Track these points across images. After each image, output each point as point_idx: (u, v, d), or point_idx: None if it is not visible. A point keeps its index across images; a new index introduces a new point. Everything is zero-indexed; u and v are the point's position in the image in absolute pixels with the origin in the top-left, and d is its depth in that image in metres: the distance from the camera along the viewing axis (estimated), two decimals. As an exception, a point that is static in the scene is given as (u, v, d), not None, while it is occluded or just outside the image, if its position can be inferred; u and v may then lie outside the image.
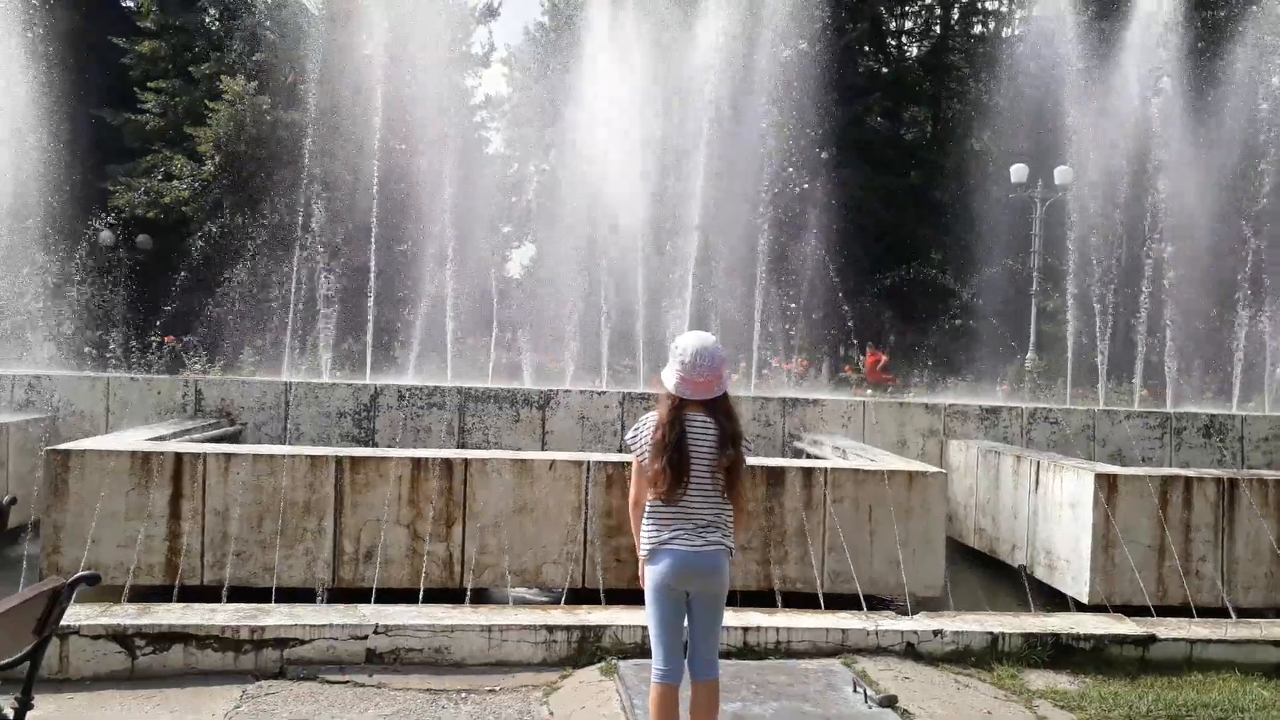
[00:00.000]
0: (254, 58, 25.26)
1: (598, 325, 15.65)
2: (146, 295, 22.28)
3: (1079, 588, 7.54)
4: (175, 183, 24.94)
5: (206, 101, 24.77)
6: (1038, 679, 5.67)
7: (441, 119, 18.73)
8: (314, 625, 5.49)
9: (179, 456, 6.95)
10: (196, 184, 24.52)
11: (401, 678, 5.33)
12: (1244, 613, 7.04)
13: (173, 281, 17.03)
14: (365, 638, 5.50)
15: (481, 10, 31.49)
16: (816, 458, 9.29)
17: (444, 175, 17.20)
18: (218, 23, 27.75)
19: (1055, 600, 7.72)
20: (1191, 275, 18.42)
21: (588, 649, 5.65)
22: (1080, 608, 7.25)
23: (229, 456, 7.02)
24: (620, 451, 8.84)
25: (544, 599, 7.17)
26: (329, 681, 5.24)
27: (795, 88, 21.05)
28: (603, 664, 5.50)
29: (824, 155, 25.88)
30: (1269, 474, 8.28)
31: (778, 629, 5.87)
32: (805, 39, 26.72)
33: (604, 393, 11.00)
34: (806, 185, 25.23)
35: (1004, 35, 32.96)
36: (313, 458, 7.01)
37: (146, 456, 6.93)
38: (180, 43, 26.79)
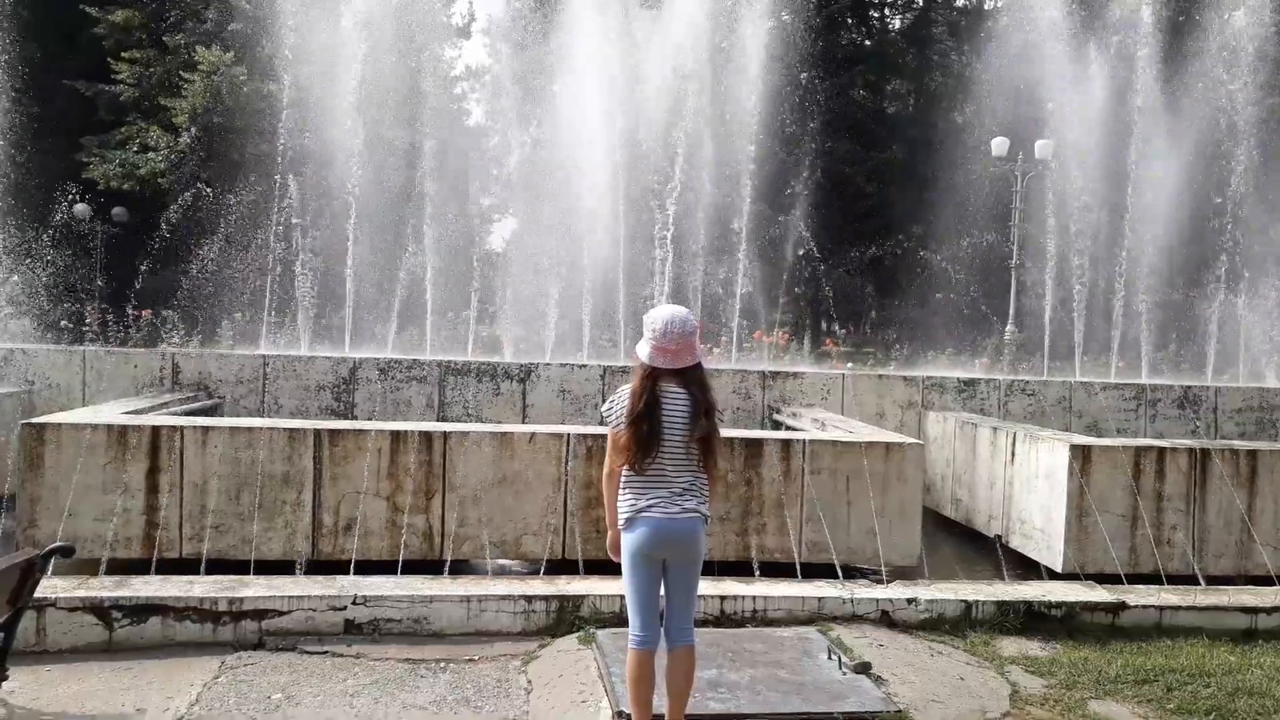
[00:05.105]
0: (230, 28, 24.90)
1: (579, 298, 15.62)
2: (123, 268, 22.07)
3: (1053, 557, 7.64)
4: (151, 154, 24.66)
5: (181, 72, 24.44)
6: (1010, 645, 5.75)
7: (421, 90, 18.56)
8: (293, 596, 5.50)
9: (156, 429, 6.91)
10: (172, 156, 24.24)
11: (380, 648, 5.35)
12: (1214, 580, 7.15)
13: (149, 254, 16.84)
14: (344, 609, 5.52)
15: (461, -20, 31.15)
16: (795, 430, 9.33)
17: (424, 147, 17.06)
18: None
19: (1029, 569, 7.82)
20: (1169, 248, 18.55)
21: (566, 618, 5.69)
22: (1054, 576, 7.35)
23: (207, 429, 7.00)
24: (601, 424, 8.87)
25: (524, 570, 7.20)
26: (308, 652, 5.26)
27: (778, 59, 20.94)
28: (581, 633, 5.54)
29: (807, 128, 25.83)
30: (1241, 444, 8.40)
31: (754, 598, 5.93)
32: (788, 10, 26.56)
33: (585, 366, 11.01)
34: (789, 158, 25.18)
35: (986, 7, 32.90)
36: (291, 430, 6.99)
37: (123, 429, 6.89)
38: (154, 12, 26.37)
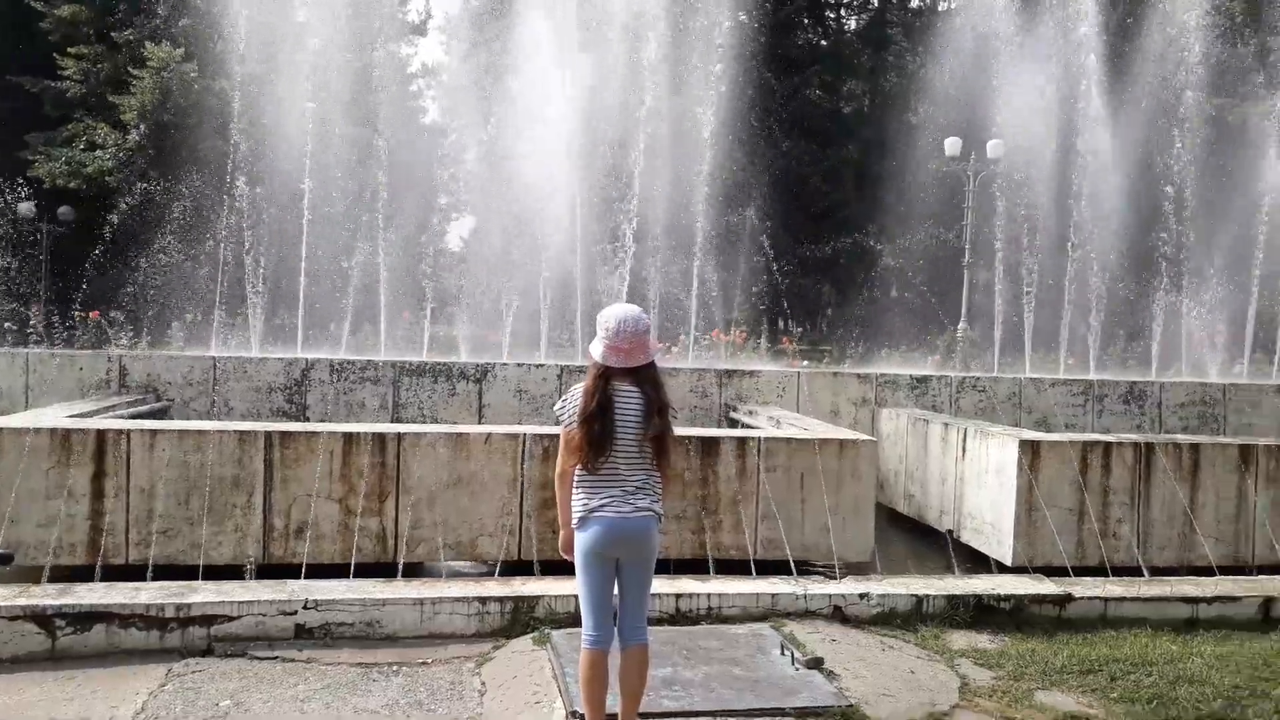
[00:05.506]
0: (181, 24, 24.47)
1: (536, 297, 15.58)
2: (69, 268, 21.60)
3: (1002, 551, 7.77)
4: (98, 153, 24.17)
5: (130, 69, 23.98)
6: (960, 639, 5.84)
7: (376, 88, 18.38)
8: (242, 602, 5.43)
9: (101, 433, 6.79)
10: (120, 154, 23.77)
11: (332, 652, 5.30)
12: (1157, 571, 7.31)
13: (96, 254, 16.49)
14: (295, 613, 5.46)
15: (417, -23, 30.92)
16: (751, 428, 9.39)
17: (379, 145, 16.89)
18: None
19: (980, 563, 7.93)
20: (1116, 247, 18.91)
21: (521, 619, 5.67)
22: (1003, 570, 7.46)
23: (154, 432, 6.89)
24: (556, 424, 8.83)
25: (479, 572, 7.17)
26: (257, 658, 5.19)
27: (735, 60, 21.04)
28: (536, 634, 5.53)
29: (763, 128, 25.97)
30: (1184, 438, 8.60)
31: (709, 595, 5.96)
32: (744, 10, 26.69)
33: (542, 365, 10.99)
34: (746, 157, 25.29)
35: (940, 9, 33.30)
36: (241, 433, 6.91)
37: (67, 434, 6.76)
38: (103, 7, 25.84)
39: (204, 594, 5.50)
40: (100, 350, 11.80)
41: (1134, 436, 8.51)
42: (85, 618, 5.22)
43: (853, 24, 36.15)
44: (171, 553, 6.66)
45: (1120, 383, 11.99)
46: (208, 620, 5.34)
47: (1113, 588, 6.53)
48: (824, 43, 34.33)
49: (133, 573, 6.30)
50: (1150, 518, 7.86)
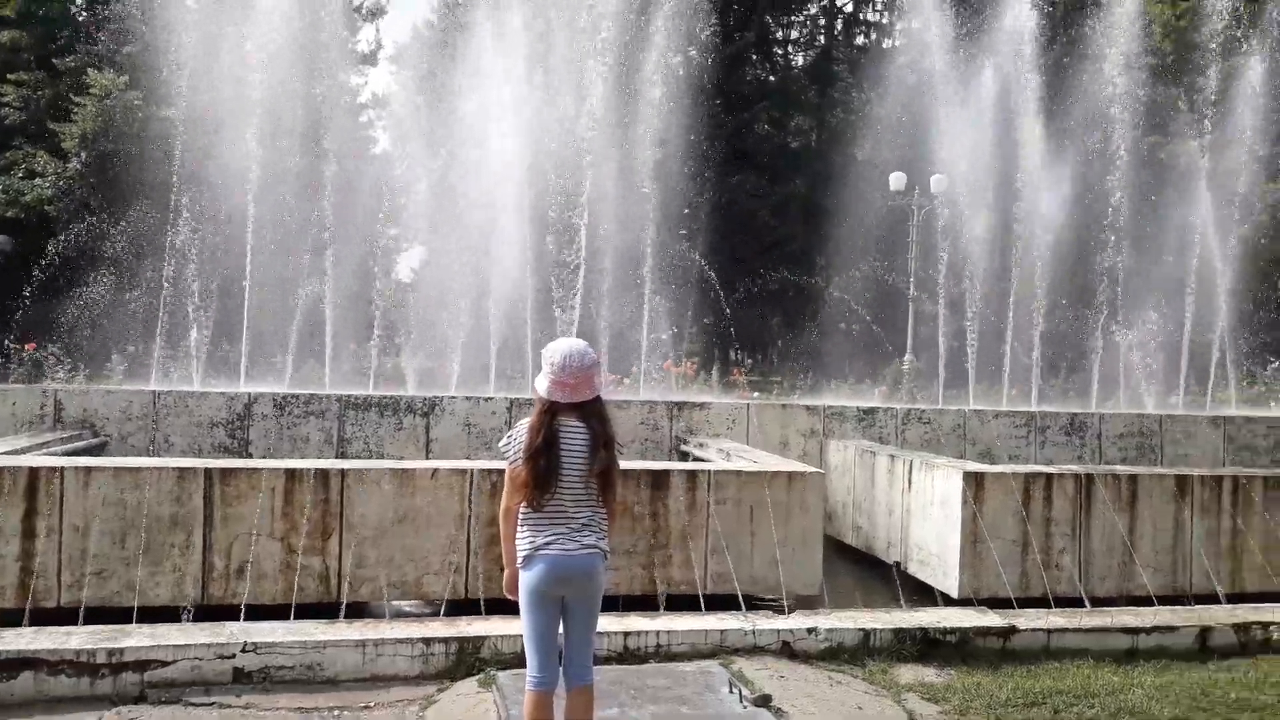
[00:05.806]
0: (124, 51, 24.14)
1: (485, 329, 15.50)
2: (4, 299, 21.03)
3: (948, 583, 7.84)
4: (38, 181, 23.66)
5: (72, 96, 23.58)
6: (907, 673, 5.86)
7: (325, 118, 18.27)
8: (178, 645, 5.27)
9: (34, 470, 6.58)
10: (61, 182, 23.30)
11: (271, 697, 5.17)
12: (1098, 601, 7.44)
13: (34, 285, 16.10)
14: (233, 657, 5.32)
15: (368, 7, 30.93)
16: (702, 460, 9.40)
17: (327, 176, 16.77)
18: (85, 12, 26.43)
19: (926, 595, 8.00)
20: (1056, 280, 19.38)
21: (466, 660, 5.59)
22: (949, 602, 7.54)
23: (89, 470, 6.69)
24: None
25: (425, 611, 7.05)
26: (193, 704, 5.04)
27: (684, 94, 21.30)
28: (481, 675, 5.45)
29: (711, 162, 26.27)
30: (1123, 469, 8.77)
31: (658, 632, 5.92)
32: (694, 46, 27.08)
33: (491, 399, 10.90)
34: (695, 191, 25.55)
35: (884, 46, 34.08)
36: (180, 469, 6.74)
37: (-3, 472, 6.54)
38: (44, 33, 25.45)
39: (137, 638, 5.33)
40: (35, 384, 11.47)
41: (1075, 468, 8.67)
42: (12, 664, 5.04)
43: (800, 60, 36.88)
44: (106, 594, 6.45)
45: (1061, 414, 12.22)
46: (141, 665, 5.18)
47: (1055, 619, 6.62)
48: (772, 79, 34.96)
49: (65, 616, 6.10)
50: (1091, 548, 7.99)
